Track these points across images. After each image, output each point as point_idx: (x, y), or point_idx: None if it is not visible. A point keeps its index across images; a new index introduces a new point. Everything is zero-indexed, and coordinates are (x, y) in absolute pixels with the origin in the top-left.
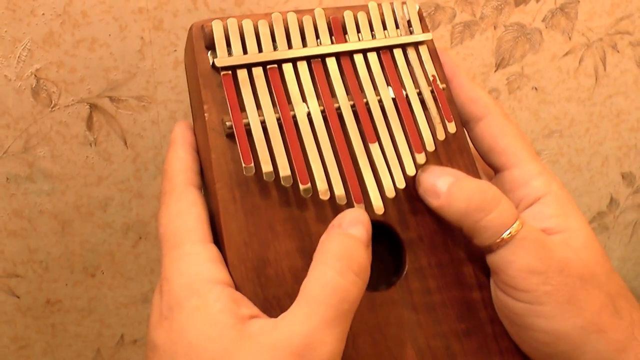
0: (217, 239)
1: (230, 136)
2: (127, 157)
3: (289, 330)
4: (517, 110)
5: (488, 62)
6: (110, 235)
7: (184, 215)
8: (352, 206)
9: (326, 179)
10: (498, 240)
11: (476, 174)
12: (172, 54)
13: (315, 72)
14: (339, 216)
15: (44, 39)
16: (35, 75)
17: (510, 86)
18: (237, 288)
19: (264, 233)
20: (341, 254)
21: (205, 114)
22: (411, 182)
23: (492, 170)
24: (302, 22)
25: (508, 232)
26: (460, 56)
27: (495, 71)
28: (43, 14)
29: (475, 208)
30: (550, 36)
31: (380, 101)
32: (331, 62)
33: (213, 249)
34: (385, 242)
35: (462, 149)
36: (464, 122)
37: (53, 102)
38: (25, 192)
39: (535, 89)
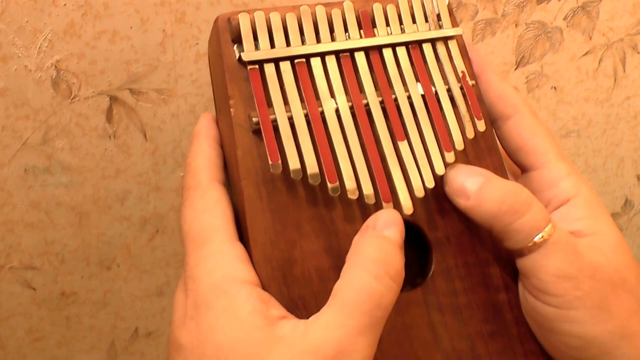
0: (242, 237)
1: (257, 132)
2: (146, 150)
3: (321, 336)
4: (536, 110)
5: (508, 60)
6: (127, 228)
7: (209, 212)
8: (381, 206)
9: (354, 177)
10: (530, 244)
11: (504, 174)
12: (193, 47)
13: (344, 67)
14: (373, 217)
15: (64, 30)
16: (56, 67)
17: (529, 85)
18: (263, 287)
19: (291, 232)
20: (377, 257)
21: (231, 109)
22: (440, 181)
23: (520, 169)
24: (330, 16)
25: (540, 235)
26: None
27: (515, 69)
28: (64, 4)
29: (507, 210)
30: (570, 35)
31: (409, 97)
32: (360, 57)
33: (240, 247)
34: (410, 241)
35: (491, 148)
36: (491, 119)
37: (73, 93)
38: (43, 184)
39: (554, 88)
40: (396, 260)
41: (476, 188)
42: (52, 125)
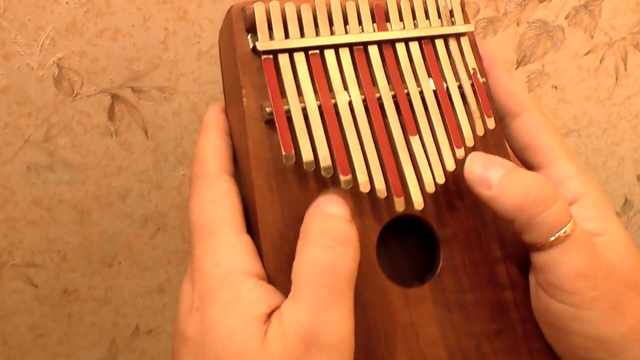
0: (250, 228)
1: (269, 123)
2: (148, 148)
3: (292, 320)
4: None
5: (509, 58)
6: (129, 226)
7: (217, 204)
8: (392, 200)
9: (367, 171)
10: (552, 239)
11: None
12: (195, 45)
13: (357, 60)
14: (315, 201)
15: (67, 28)
16: (58, 64)
17: (530, 84)
18: (270, 280)
19: (300, 225)
20: (322, 229)
21: (244, 99)
22: (450, 177)
23: (526, 168)
24: (345, 8)
25: (563, 231)
26: None
27: (516, 68)
28: (67, 2)
29: (532, 202)
30: (572, 34)
31: (421, 93)
32: (373, 50)
33: (248, 240)
34: (418, 237)
35: (499, 145)
36: (499, 117)
37: (75, 91)
38: (45, 181)
39: (555, 87)
40: (344, 228)
41: (499, 177)
42: (54, 123)
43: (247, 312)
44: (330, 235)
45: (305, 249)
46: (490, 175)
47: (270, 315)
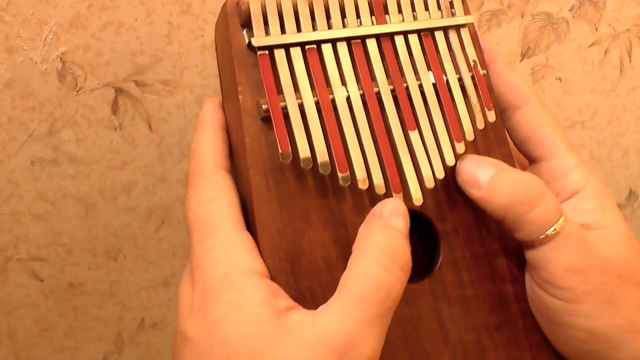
0: (249, 226)
1: (266, 120)
2: (152, 142)
3: (329, 327)
4: None
5: (514, 51)
6: (133, 219)
7: (216, 201)
8: (391, 196)
9: (365, 167)
10: (541, 237)
11: (513, 165)
12: (199, 39)
13: (355, 54)
14: (379, 206)
15: (70, 22)
16: (61, 59)
17: (534, 76)
18: (270, 278)
19: (299, 222)
20: (385, 247)
21: (240, 96)
22: (449, 172)
23: (528, 160)
24: (342, 1)
25: (552, 228)
26: None
27: (520, 61)
28: None
29: (519, 202)
30: (576, 26)
31: (420, 86)
32: (371, 44)
33: (248, 237)
34: (418, 232)
35: (500, 139)
36: (500, 110)
37: (79, 85)
38: (49, 175)
39: (559, 79)
40: (404, 250)
41: (488, 178)
42: (58, 117)
43: (256, 314)
44: (391, 256)
45: (365, 260)
46: (479, 176)
47: (280, 316)
